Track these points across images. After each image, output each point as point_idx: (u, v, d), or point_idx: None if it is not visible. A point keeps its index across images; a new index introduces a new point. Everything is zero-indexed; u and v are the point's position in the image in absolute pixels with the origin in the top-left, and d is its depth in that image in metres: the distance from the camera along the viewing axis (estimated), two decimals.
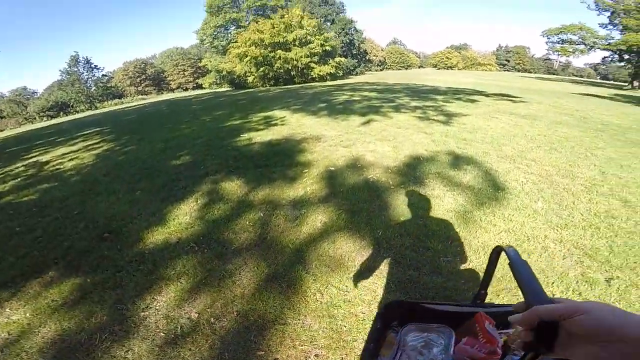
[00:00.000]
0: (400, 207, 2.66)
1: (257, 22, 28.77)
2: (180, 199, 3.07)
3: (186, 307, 1.75)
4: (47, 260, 2.34)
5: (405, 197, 2.81)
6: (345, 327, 1.55)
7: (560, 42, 38.10)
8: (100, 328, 1.64)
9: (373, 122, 5.91)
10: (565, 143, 4.43)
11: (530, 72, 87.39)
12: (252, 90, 23.75)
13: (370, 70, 59.14)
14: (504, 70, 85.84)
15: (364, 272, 1.93)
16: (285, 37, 26.98)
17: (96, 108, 43.04)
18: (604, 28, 35.76)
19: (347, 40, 40.51)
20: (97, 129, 10.65)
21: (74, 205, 3.35)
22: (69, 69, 47.91)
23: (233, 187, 3.25)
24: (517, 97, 10.38)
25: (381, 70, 71.89)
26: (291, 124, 6.30)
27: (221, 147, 4.88)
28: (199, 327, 1.60)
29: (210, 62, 38.59)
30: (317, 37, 27.86)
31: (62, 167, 5.38)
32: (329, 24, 39.99)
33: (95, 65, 49.40)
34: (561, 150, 4.07)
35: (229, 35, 37.31)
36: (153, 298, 1.84)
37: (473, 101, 8.68)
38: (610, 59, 38.90)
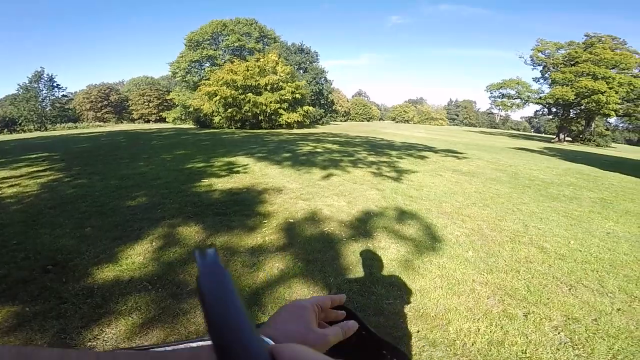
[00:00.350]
0: (351, 257, 2.89)
1: (232, 62, 29.40)
2: (134, 240, 3.05)
3: (137, 340, 1.76)
4: None
5: (356, 248, 3.05)
6: None
7: (501, 96, 42.99)
8: None
9: (332, 176, 6.28)
10: (497, 199, 5.08)
11: (476, 126, 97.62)
12: (217, 130, 23.90)
13: (336, 120, 62.18)
14: (453, 124, 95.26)
15: None
16: (257, 80, 27.68)
17: (46, 129, 40.05)
18: (536, 82, 40.94)
19: (317, 90, 42.14)
20: (46, 154, 10.02)
21: (13, 235, 3.16)
22: (28, 84, 45.48)
23: (190, 232, 3.31)
24: (462, 153, 11.64)
25: (345, 120, 76.21)
26: (254, 172, 6.49)
27: (180, 191, 4.90)
28: None
29: (179, 96, 38.59)
30: (289, 84, 28.83)
31: (2, 192, 5.04)
32: (301, 71, 41.59)
33: (58, 84, 47.28)
34: (492, 207, 4.66)
35: (202, 72, 37.81)
36: (101, 330, 1.83)
37: (423, 157, 9.59)
38: (541, 112, 44.29)
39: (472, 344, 1.85)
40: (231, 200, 4.48)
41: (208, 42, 38.18)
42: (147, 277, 2.43)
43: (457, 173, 7.24)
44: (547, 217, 4.34)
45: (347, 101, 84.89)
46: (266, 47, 38.99)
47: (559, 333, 1.99)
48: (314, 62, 44.34)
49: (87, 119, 55.56)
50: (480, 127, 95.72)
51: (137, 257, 2.73)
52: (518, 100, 41.27)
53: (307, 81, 37.20)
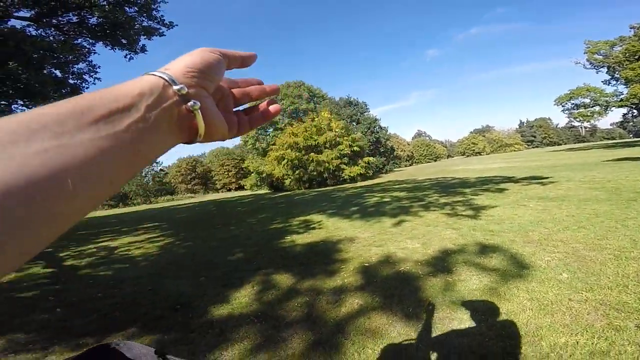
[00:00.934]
0: (429, 290, 2.96)
1: (291, 125, 31.67)
2: (239, 286, 3.59)
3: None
4: (127, 320, 2.89)
5: (434, 283, 3.11)
6: None
7: (575, 107, 38.11)
8: None
9: (404, 222, 6.31)
10: (594, 219, 4.59)
11: (559, 144, 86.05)
12: (289, 193, 25.62)
13: (400, 166, 61.27)
14: (533, 147, 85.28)
15: (395, 337, 2.23)
16: (316, 139, 29.20)
17: (150, 202, 46.67)
18: (607, 85, 35.66)
19: (374, 139, 42.39)
20: (156, 223, 12.06)
21: (146, 284, 4.00)
22: None
23: (282, 278, 3.75)
24: (547, 177, 10.60)
25: (410, 165, 74.58)
26: (327, 227, 6.90)
27: (269, 247, 5.53)
28: None
29: (252, 163, 40.88)
30: (345, 138, 29.78)
31: (130, 253, 6.35)
32: (354, 124, 42.46)
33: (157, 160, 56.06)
34: (590, 227, 4.23)
35: (268, 137, 40.41)
36: (221, 353, 2.25)
37: (501, 190, 9.01)
38: (629, 114, 37.55)
39: (570, 356, 1.79)
40: (311, 252, 4.90)
41: None
42: (253, 313, 2.87)
43: (543, 200, 6.68)
44: None
45: (408, 144, 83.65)
46: (317, 105, 40.98)
47: None
48: (365, 112, 45.33)
49: (180, 191, 62.26)
50: (565, 144, 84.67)
51: (243, 298, 3.22)
52: (597, 108, 36.40)
53: (362, 132, 38.05)
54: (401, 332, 2.31)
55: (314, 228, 6.95)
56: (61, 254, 6.86)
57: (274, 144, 33.46)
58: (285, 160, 29.23)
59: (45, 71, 11.32)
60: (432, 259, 3.85)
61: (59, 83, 11.91)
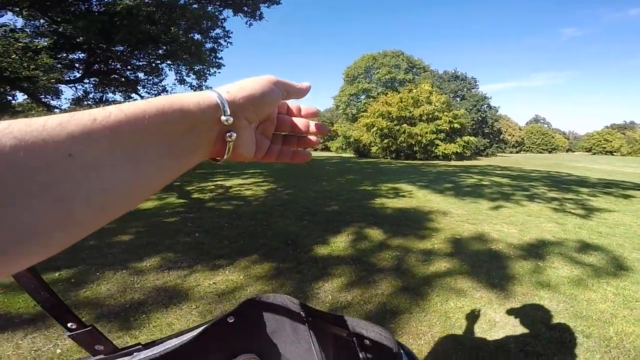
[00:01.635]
0: (517, 269, 3.17)
1: (385, 95, 30.98)
2: (336, 233, 4.30)
3: (344, 293, 2.74)
4: (250, 248, 3.72)
5: (523, 265, 3.28)
6: (457, 324, 2.26)
7: None
8: (288, 294, 2.76)
9: (502, 207, 6.18)
10: None
11: None
12: (374, 160, 25.74)
13: (504, 151, 55.00)
14: None
15: (477, 298, 2.59)
16: (411, 111, 28.32)
17: None
18: None
19: (479, 118, 39.07)
20: (258, 170, 13.97)
21: (262, 220, 4.99)
22: None
23: (374, 233, 4.32)
24: None
25: (517, 152, 66.04)
26: (418, 198, 7.16)
27: (360, 205, 6.15)
28: (352, 305, 2.55)
29: (341, 127, 41.70)
30: (445, 113, 28.21)
31: (242, 193, 7.67)
32: (458, 99, 39.64)
33: None
34: None
35: (360, 104, 40.28)
36: (323, 283, 2.90)
37: (627, 197, 7.82)
38: None
39: (631, 342, 1.94)
40: (402, 216, 5.34)
41: (362, 75, 40.99)
42: (349, 256, 3.51)
43: None
44: None
45: (520, 129, 73.14)
46: (416, 77, 38.99)
47: None
48: (473, 88, 41.36)
49: None
50: None
51: (340, 243, 3.91)
52: None
53: (466, 109, 34.92)
54: (483, 296, 2.66)
55: (404, 196, 7.30)
56: (187, 188, 8.61)
57: (364, 111, 33.57)
58: (375, 128, 29.03)
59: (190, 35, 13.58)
60: (527, 245, 3.92)
61: (199, 44, 14.13)
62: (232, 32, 15.13)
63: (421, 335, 2.15)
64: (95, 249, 3.56)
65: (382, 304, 2.53)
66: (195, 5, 13.67)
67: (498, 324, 2.26)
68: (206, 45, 14.50)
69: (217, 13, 13.93)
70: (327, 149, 57.12)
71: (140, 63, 15.42)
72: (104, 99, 17.47)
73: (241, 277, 2.97)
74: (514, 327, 2.24)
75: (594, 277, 2.96)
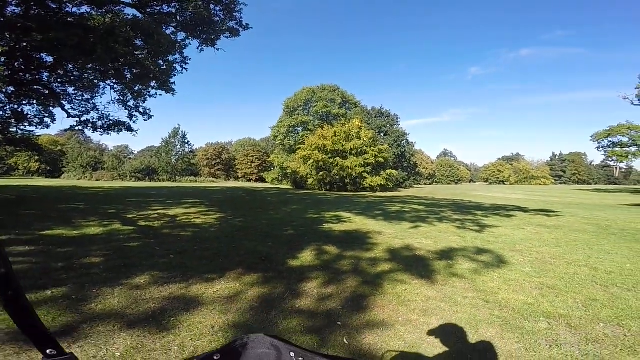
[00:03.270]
0: (436, 266, 4.42)
1: (322, 128, 33.10)
2: (300, 250, 5.12)
3: (324, 288, 3.57)
4: (232, 264, 4.28)
5: (439, 264, 4.56)
6: (406, 299, 3.27)
7: (612, 145, 36.79)
8: (281, 293, 3.44)
9: (420, 227, 7.73)
10: (572, 243, 5.90)
11: (589, 183, 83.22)
12: (311, 191, 27.13)
13: (420, 183, 61.55)
14: (560, 183, 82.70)
15: (414, 284, 3.68)
16: (344, 145, 30.77)
17: (175, 181, 48.56)
18: None
19: (399, 152, 42.69)
20: (197, 200, 13.87)
21: (228, 242, 5.54)
22: (169, 138, 54.73)
23: (330, 249, 5.26)
24: (556, 211, 11.71)
25: (430, 183, 74.52)
26: (357, 222, 8.40)
27: (312, 229, 7.08)
28: (333, 295, 3.40)
29: (278, 158, 43.00)
30: (372, 148, 31.12)
31: (192, 221, 7.91)
32: (383, 135, 42.97)
33: (188, 141, 56.20)
34: (564, 247, 5.56)
35: (297, 136, 41.32)
36: (306, 284, 3.70)
37: (510, 216, 10.22)
38: None
39: (513, 303, 3.20)
40: (348, 236, 6.41)
41: (301, 108, 42.59)
42: (317, 265, 4.38)
43: (540, 227, 7.92)
44: (615, 252, 5.15)
45: (432, 162, 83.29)
46: (348, 111, 42.03)
47: (577, 303, 3.16)
48: (395, 124, 45.70)
49: (204, 174, 63.48)
50: (595, 184, 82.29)
51: (307, 257, 4.76)
52: (634, 148, 35.52)
53: (388, 144, 38.42)
54: (417, 283, 3.76)
55: (345, 221, 8.45)
56: (128, 216, 8.51)
57: (302, 143, 35.15)
58: (312, 161, 30.75)
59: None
60: (440, 251, 5.28)
61: (167, 70, 14.29)
62: (190, 59, 15.44)
63: (385, 307, 3.10)
64: (70, 270, 3.81)
65: (353, 292, 3.45)
66: (168, 30, 13.80)
67: (430, 298, 3.34)
68: (162, 68, 14.51)
69: (172, 36, 14.16)
70: (262, 179, 56.94)
71: (73, 76, 14.49)
72: (18, 110, 15.65)
73: (238, 285, 3.59)
74: (441, 299, 3.33)
75: (485, 268, 4.33)
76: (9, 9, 10.98)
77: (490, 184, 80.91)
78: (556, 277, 3.97)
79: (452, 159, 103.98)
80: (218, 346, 2.32)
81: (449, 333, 2.65)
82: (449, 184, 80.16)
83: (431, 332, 2.63)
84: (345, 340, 2.48)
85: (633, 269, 4.22)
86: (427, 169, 75.25)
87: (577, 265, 4.46)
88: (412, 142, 47.43)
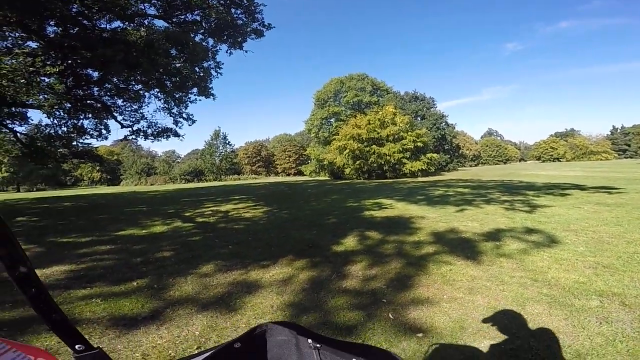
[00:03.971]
0: (482, 247, 4.40)
1: (355, 117, 32.89)
2: (344, 236, 5.36)
3: (369, 270, 3.76)
4: (283, 252, 4.64)
5: (485, 244, 4.53)
6: (451, 279, 3.37)
7: None
8: (328, 275, 3.69)
9: (465, 210, 7.57)
10: (634, 221, 5.49)
11: None
12: (349, 181, 27.20)
13: (464, 165, 58.91)
14: (625, 157, 74.63)
15: (459, 265, 3.74)
16: (379, 133, 30.28)
17: (221, 180, 51.44)
18: None
19: (439, 135, 41.47)
20: (243, 196, 14.65)
21: (278, 233, 5.94)
22: (211, 141, 58.63)
23: (373, 234, 5.43)
24: (618, 188, 10.75)
25: (475, 165, 71.06)
26: (398, 208, 8.44)
27: (353, 217, 7.27)
28: (377, 277, 3.58)
29: (314, 151, 43.25)
30: (409, 133, 30.35)
31: (243, 215, 8.48)
32: (419, 119, 41.96)
33: (229, 142, 59.97)
34: (625, 226, 5.19)
35: (331, 127, 41.45)
36: (351, 267, 3.92)
37: (564, 195, 9.58)
38: None
39: (563, 281, 3.15)
40: (390, 222, 6.51)
41: (332, 99, 42.55)
42: (361, 250, 4.58)
43: (599, 205, 7.38)
44: None
45: (476, 143, 79.10)
46: (380, 99, 41.21)
47: (635, 282, 3.04)
48: (431, 107, 44.25)
49: (246, 172, 66.82)
50: None
51: (350, 243, 4.98)
52: None
53: (427, 128, 37.30)
54: (463, 263, 3.82)
55: (386, 208, 8.53)
56: (186, 214, 9.30)
57: (336, 134, 35.05)
58: (347, 151, 30.58)
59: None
60: (487, 233, 5.21)
61: (204, 77, 15.24)
62: (223, 64, 16.24)
63: (429, 286, 3.24)
64: (147, 264, 4.36)
65: (398, 273, 3.61)
66: (197, 38, 14.68)
67: (476, 277, 3.40)
68: (200, 75, 15.46)
69: (203, 43, 14.96)
70: (300, 173, 58.26)
71: (120, 88, 15.87)
72: (78, 125, 17.48)
73: (290, 269, 3.92)
74: (487, 278, 3.37)
75: (535, 248, 4.23)
76: (49, 29, 12.09)
77: (543, 161, 74.98)
78: (613, 256, 3.79)
79: (498, 138, 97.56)
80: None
81: (495, 310, 2.72)
82: (497, 164, 75.56)
83: (476, 309, 2.72)
84: (390, 315, 2.67)
85: None
86: (470, 150, 71.58)
87: (639, 244, 4.18)
88: (452, 124, 45.42)
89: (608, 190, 10.27)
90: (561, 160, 73.87)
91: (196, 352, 1.03)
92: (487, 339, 2.27)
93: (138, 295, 3.32)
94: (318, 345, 0.66)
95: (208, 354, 0.65)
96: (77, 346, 0.56)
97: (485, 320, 2.51)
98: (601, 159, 65.63)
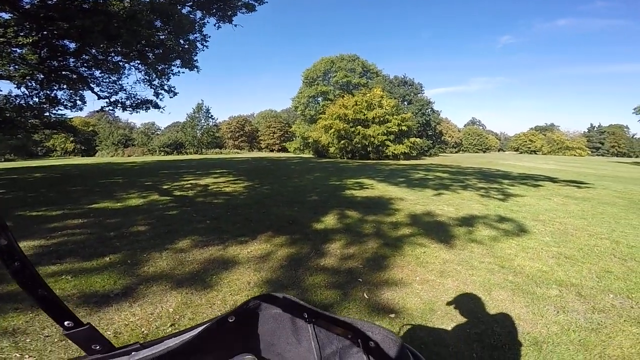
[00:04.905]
0: (455, 231, 4.57)
1: (342, 97, 32.89)
2: (324, 214, 5.41)
3: (347, 249, 3.84)
4: (262, 227, 4.65)
5: (459, 229, 4.69)
6: (424, 261, 3.49)
7: None
8: (307, 253, 3.73)
9: (443, 194, 7.78)
10: (598, 216, 5.80)
11: (630, 156, 78.43)
12: (333, 160, 27.24)
13: (445, 152, 60.11)
14: (598, 155, 78.57)
15: (433, 247, 3.88)
16: (365, 114, 30.39)
17: (202, 153, 50.29)
18: None
19: (424, 121, 41.77)
20: (224, 170, 14.45)
21: (258, 209, 5.91)
22: (193, 114, 57.04)
23: (353, 214, 5.50)
24: (587, 183, 11.30)
25: (457, 152, 72.50)
26: (379, 189, 8.56)
27: (335, 195, 7.32)
28: (355, 256, 3.66)
29: (299, 128, 43.43)
30: (394, 116, 30.59)
31: (223, 189, 8.35)
32: (406, 103, 42.12)
33: (212, 115, 58.41)
34: (589, 219, 5.50)
35: (318, 106, 41.56)
36: (330, 244, 3.99)
37: (537, 186, 9.97)
38: None
39: (528, 269, 3.33)
40: (370, 202, 6.61)
41: (320, 78, 42.52)
42: (340, 229, 4.65)
43: (567, 198, 7.75)
44: None
45: (458, 131, 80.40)
46: (369, 81, 41.34)
47: (592, 274, 3.26)
48: (419, 93, 44.45)
49: (228, 146, 65.41)
50: (636, 157, 77.01)
51: (330, 221, 5.03)
52: None
53: (412, 113, 37.67)
54: (436, 246, 3.96)
55: (367, 188, 8.64)
56: (164, 187, 9.01)
57: (322, 113, 34.95)
58: (333, 130, 30.66)
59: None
60: (461, 218, 5.39)
61: (189, 49, 14.49)
62: (210, 37, 15.45)
63: (404, 267, 3.34)
64: (121, 238, 4.22)
65: (374, 253, 3.71)
66: (184, 10, 13.84)
67: (448, 261, 3.54)
68: (185, 47, 14.71)
69: (191, 16, 14.15)
70: (284, 149, 57.69)
71: (98, 59, 14.95)
72: (51, 96, 16.47)
73: (269, 246, 3.93)
74: (458, 262, 3.51)
75: (504, 236, 4.43)
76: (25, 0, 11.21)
77: (521, 153, 77.44)
78: (575, 247, 4.02)
79: (481, 127, 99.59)
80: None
81: (463, 294, 2.85)
82: (477, 152, 77.43)
83: (446, 292, 2.84)
84: (365, 295, 2.75)
85: None
86: (453, 137, 72.77)
87: (599, 237, 4.45)
88: (437, 111, 45.96)
89: (578, 184, 10.79)
90: (537, 153, 76.47)
91: (171, 331, 1.02)
92: (454, 322, 2.39)
93: (110, 271, 3.22)
94: (313, 319, 0.67)
95: (202, 327, 0.65)
96: (66, 323, 0.55)
97: (453, 304, 2.64)
98: (575, 155, 68.41)
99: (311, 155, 36.99)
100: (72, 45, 13.85)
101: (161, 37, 13.54)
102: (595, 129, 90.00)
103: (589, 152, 77.59)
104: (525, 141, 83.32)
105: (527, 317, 2.48)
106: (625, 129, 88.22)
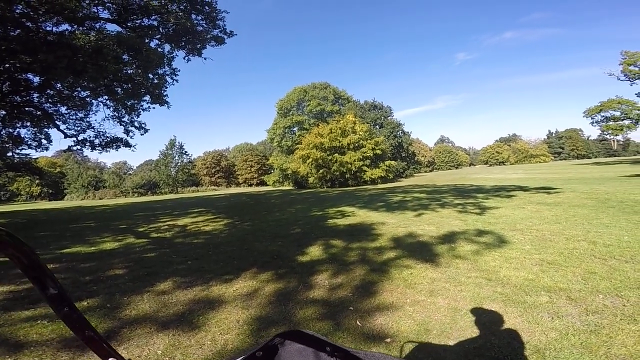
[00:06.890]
0: (438, 249, 4.63)
1: (317, 126, 33.47)
2: (308, 246, 5.34)
3: (334, 279, 3.78)
4: (246, 264, 4.51)
5: (441, 247, 4.77)
6: (412, 282, 3.48)
7: (604, 120, 36.87)
8: (295, 287, 3.64)
9: (423, 215, 7.92)
10: (571, 219, 6.08)
11: (589, 157, 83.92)
12: (313, 190, 27.34)
13: (420, 171, 61.85)
14: (560, 159, 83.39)
15: (419, 268, 3.89)
16: (340, 141, 31.02)
17: (177, 192, 48.69)
18: None
19: (396, 143, 43.21)
20: (202, 209, 14.06)
21: (240, 245, 5.76)
22: (166, 151, 55.24)
23: (337, 242, 5.47)
24: (556, 188, 11.89)
25: (430, 171, 74.94)
26: (360, 215, 8.62)
27: (318, 226, 7.29)
28: (343, 285, 3.61)
29: (277, 160, 43.26)
30: (368, 141, 31.43)
31: (202, 229, 8.11)
32: (378, 127, 43.54)
33: (186, 152, 56.68)
34: (563, 223, 5.74)
35: (294, 136, 41.92)
36: (317, 276, 3.90)
37: (510, 196, 10.39)
38: None
39: (514, 279, 3.39)
40: (353, 229, 6.61)
41: (295, 108, 43.10)
42: (326, 259, 4.59)
43: (540, 205, 8.11)
44: (614, 225, 5.31)
45: (430, 150, 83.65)
46: (342, 107, 42.43)
47: (577, 277, 3.36)
48: (389, 116, 46.15)
49: (205, 183, 63.67)
50: (595, 157, 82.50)
51: (315, 252, 4.97)
52: (627, 122, 35.53)
53: (384, 136, 38.79)
54: (422, 266, 3.97)
55: (349, 215, 8.66)
56: (139, 229, 8.72)
57: (299, 143, 35.44)
58: (310, 160, 31.03)
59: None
60: (443, 235, 5.48)
61: (159, 85, 14.44)
62: (179, 70, 15.58)
63: (393, 290, 3.31)
64: (98, 282, 4.03)
65: (362, 280, 3.66)
66: (152, 43, 13.92)
67: (435, 279, 3.55)
68: (154, 82, 14.68)
69: (158, 49, 14.28)
70: (263, 183, 57.12)
71: (64, 95, 14.62)
72: (14, 135, 15.75)
73: (255, 282, 3.81)
74: (446, 280, 3.53)
75: (486, 249, 4.53)
76: None
77: (490, 165, 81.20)
78: (555, 252, 4.17)
79: (450, 144, 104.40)
80: (246, 337, 2.56)
81: (455, 310, 2.85)
82: (449, 169, 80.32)
83: (438, 311, 2.83)
84: (358, 323, 2.69)
85: (631, 241, 4.39)
86: (425, 156, 75.47)
87: (576, 240, 4.65)
88: (408, 132, 47.85)
89: (547, 190, 11.35)
90: (506, 163, 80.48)
91: None
92: (451, 339, 2.37)
93: (90, 315, 3.05)
94: (336, 353, 0.68)
95: None
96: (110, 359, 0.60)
97: (447, 321, 2.62)
98: (540, 162, 72.41)
99: (291, 187, 36.92)
100: (36, 80, 13.55)
101: (129, 71, 13.51)
102: (554, 134, 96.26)
103: (552, 158, 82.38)
104: (493, 153, 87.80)
105: (523, 326, 2.50)
106: (580, 132, 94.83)
